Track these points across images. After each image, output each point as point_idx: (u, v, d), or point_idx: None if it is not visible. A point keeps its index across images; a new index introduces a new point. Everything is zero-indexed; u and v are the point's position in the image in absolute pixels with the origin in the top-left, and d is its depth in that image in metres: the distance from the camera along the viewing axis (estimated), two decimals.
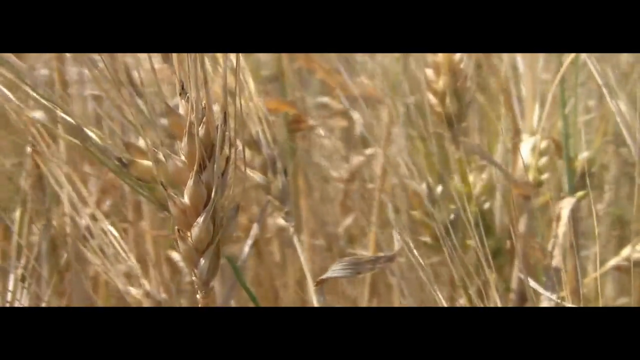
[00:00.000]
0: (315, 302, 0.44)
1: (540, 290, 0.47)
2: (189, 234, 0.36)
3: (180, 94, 0.35)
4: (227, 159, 0.36)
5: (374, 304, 0.71)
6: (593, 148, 0.59)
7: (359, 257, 0.43)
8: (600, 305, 0.41)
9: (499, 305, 0.40)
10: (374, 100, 0.67)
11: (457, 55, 0.56)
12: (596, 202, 0.72)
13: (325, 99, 0.83)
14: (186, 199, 0.36)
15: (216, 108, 0.36)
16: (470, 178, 0.59)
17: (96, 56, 0.36)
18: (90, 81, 0.64)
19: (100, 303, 0.64)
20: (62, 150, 0.60)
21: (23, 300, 0.46)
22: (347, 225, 0.81)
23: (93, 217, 0.52)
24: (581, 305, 0.44)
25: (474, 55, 0.59)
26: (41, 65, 0.64)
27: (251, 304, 0.46)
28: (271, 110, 0.62)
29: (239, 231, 0.53)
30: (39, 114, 0.40)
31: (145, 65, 0.36)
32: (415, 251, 0.41)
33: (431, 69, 0.57)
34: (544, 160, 0.59)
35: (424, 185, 0.56)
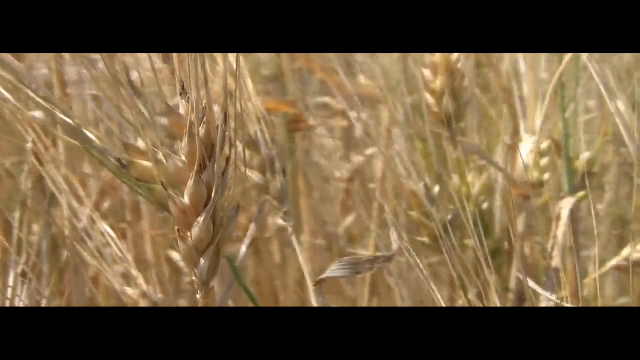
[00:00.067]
0: (314, 302, 0.44)
1: (540, 290, 0.47)
2: (189, 234, 0.36)
3: (180, 94, 0.35)
4: (228, 159, 0.36)
5: (374, 304, 0.71)
6: (593, 148, 0.59)
7: (358, 257, 0.43)
8: (600, 305, 0.41)
9: (498, 305, 0.40)
10: (374, 100, 0.67)
11: (455, 55, 0.56)
12: (596, 202, 0.72)
13: (325, 99, 0.83)
14: (186, 199, 0.36)
15: (216, 108, 0.36)
16: (469, 178, 0.59)
17: (96, 56, 0.36)
18: (89, 81, 0.63)
19: (100, 303, 0.64)
20: (61, 151, 0.59)
21: (23, 297, 0.46)
22: (347, 225, 0.81)
23: (91, 219, 0.52)
24: (581, 306, 0.44)
25: (474, 55, 0.59)
26: (40, 65, 0.64)
27: (251, 304, 0.46)
28: (271, 110, 0.62)
29: (239, 231, 0.53)
30: (37, 114, 0.40)
31: (145, 65, 0.36)
32: (412, 251, 0.40)
33: (428, 69, 0.57)
34: (544, 160, 0.59)
35: (421, 185, 0.56)
